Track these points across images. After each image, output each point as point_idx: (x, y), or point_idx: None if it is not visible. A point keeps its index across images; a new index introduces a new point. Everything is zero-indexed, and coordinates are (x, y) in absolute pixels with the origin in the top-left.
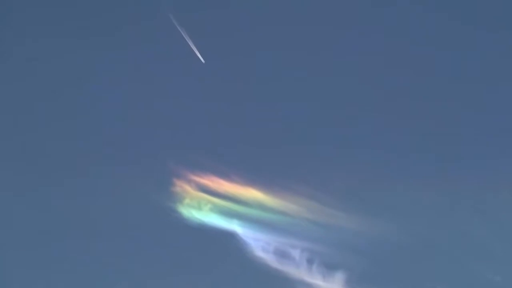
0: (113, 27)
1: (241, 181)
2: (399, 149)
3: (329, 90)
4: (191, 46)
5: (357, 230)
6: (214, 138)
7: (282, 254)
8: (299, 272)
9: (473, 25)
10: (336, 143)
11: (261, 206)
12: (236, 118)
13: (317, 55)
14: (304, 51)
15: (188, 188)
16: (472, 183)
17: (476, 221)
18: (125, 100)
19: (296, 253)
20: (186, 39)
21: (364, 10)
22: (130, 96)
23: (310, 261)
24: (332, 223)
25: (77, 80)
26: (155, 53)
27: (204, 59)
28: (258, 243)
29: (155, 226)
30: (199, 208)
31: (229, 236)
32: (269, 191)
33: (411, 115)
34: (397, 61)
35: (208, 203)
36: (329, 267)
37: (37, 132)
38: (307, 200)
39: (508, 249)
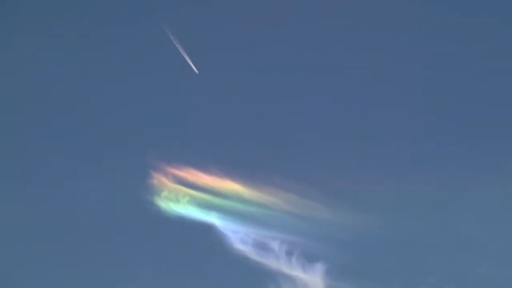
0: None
1: (219, 173)
2: (382, 141)
3: (310, 85)
4: (172, 40)
5: (337, 222)
6: (191, 130)
7: (261, 246)
8: (278, 264)
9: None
10: (316, 135)
11: (239, 199)
12: (214, 111)
13: (304, 56)
14: (290, 52)
15: (165, 180)
16: (457, 176)
17: (459, 213)
18: (103, 93)
19: (275, 245)
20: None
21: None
22: (107, 90)
23: (289, 253)
24: (312, 215)
25: (67, 79)
26: (139, 50)
27: (187, 54)
28: (237, 235)
29: (132, 218)
30: (177, 200)
31: (207, 229)
32: (248, 183)
33: (397, 107)
34: (390, 58)
35: (186, 196)
36: (309, 259)
37: (15, 124)
38: (286, 192)
39: (495, 241)
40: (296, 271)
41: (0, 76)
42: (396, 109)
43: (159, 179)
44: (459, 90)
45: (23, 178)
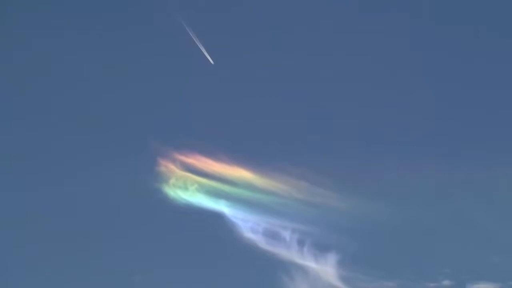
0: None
1: (228, 160)
2: (398, 126)
3: (325, 71)
4: (186, 27)
5: (350, 211)
6: (200, 116)
7: (271, 235)
8: (289, 253)
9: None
10: (329, 121)
11: (249, 186)
12: (224, 96)
13: (314, 53)
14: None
15: (173, 167)
16: (466, 164)
17: (470, 202)
18: (113, 80)
19: (286, 234)
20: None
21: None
22: (113, 77)
23: (301, 242)
24: (324, 204)
25: (78, 64)
26: (152, 37)
27: (199, 41)
28: (246, 224)
29: (139, 206)
30: (185, 188)
31: (216, 217)
32: (258, 170)
33: (406, 101)
34: (401, 46)
35: (194, 183)
36: (321, 248)
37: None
38: (298, 179)
39: (504, 229)
40: (307, 261)
41: None
42: (410, 96)
43: (167, 166)
44: (471, 76)
45: (28, 168)
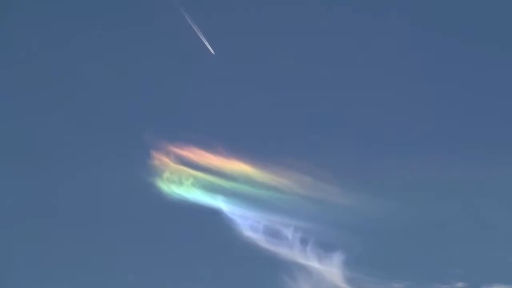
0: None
1: (227, 153)
2: (400, 122)
3: (330, 62)
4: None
5: (357, 208)
6: (196, 105)
7: (272, 234)
8: (292, 253)
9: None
10: (333, 112)
11: (249, 181)
12: (222, 84)
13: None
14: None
15: (167, 160)
16: (482, 159)
17: (485, 199)
18: (100, 71)
19: (288, 232)
20: None
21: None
22: (104, 67)
23: (304, 241)
24: (329, 200)
25: (72, 51)
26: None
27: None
28: (246, 221)
29: (130, 203)
30: (179, 182)
31: (213, 214)
32: (258, 164)
33: (411, 93)
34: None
35: (189, 178)
36: (325, 248)
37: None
38: (300, 174)
39: None
40: (311, 261)
41: None
42: (418, 89)
43: (160, 159)
44: (481, 70)
45: (12, 161)
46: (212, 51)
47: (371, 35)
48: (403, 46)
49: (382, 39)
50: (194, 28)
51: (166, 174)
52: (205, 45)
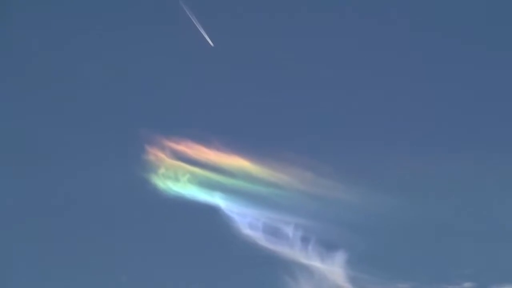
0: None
1: (224, 147)
2: (411, 114)
3: (331, 54)
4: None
5: (361, 205)
6: (193, 98)
7: (272, 232)
8: (292, 252)
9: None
10: (335, 104)
11: (247, 176)
12: (220, 76)
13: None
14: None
15: (163, 156)
16: (492, 153)
17: (494, 196)
18: (92, 62)
19: (289, 230)
20: None
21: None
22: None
23: (305, 240)
24: (332, 197)
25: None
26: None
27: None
28: (244, 219)
29: (124, 200)
30: (175, 179)
31: (211, 211)
32: (257, 159)
33: (415, 86)
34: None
35: (186, 173)
36: (327, 247)
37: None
38: (302, 169)
39: None
40: (312, 260)
41: None
42: (422, 84)
43: (156, 154)
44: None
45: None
46: (211, 44)
47: (373, 32)
48: (403, 46)
49: (384, 37)
50: (193, 20)
51: (162, 170)
52: (204, 38)
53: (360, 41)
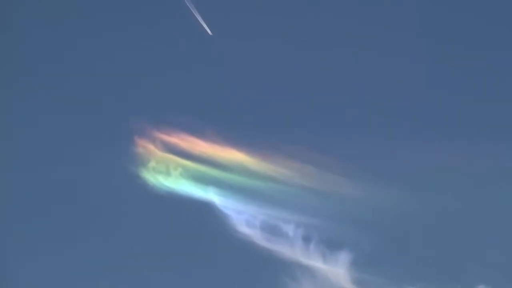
0: None
1: (219, 139)
2: (413, 104)
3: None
4: None
5: (366, 200)
6: (185, 85)
7: (271, 230)
8: (293, 252)
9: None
10: (337, 94)
11: (244, 171)
12: (215, 62)
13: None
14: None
15: (152, 148)
16: (495, 149)
17: (501, 195)
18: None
19: (289, 229)
20: None
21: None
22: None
23: (306, 239)
24: (335, 192)
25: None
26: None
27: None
28: (241, 216)
29: (111, 196)
30: (167, 173)
31: (205, 208)
32: (254, 151)
33: (421, 78)
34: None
35: (178, 167)
36: (330, 246)
37: None
38: (303, 163)
39: None
40: (314, 261)
41: None
42: (428, 75)
43: (145, 146)
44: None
45: None
46: (209, 32)
47: (375, 28)
48: (404, 47)
49: (386, 35)
50: (189, 7)
51: (152, 163)
52: (199, 26)
53: (362, 37)
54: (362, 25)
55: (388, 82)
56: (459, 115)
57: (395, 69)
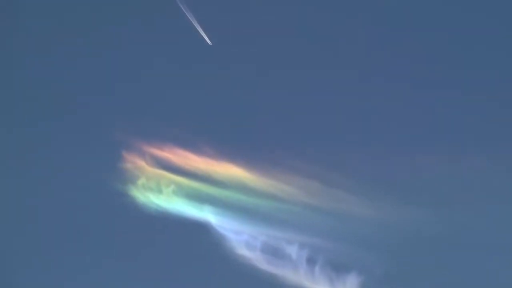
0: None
1: (215, 154)
2: (421, 118)
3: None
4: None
5: (376, 219)
6: (179, 97)
7: (273, 252)
8: (296, 275)
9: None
10: (342, 105)
11: (243, 188)
12: (212, 72)
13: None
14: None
15: (143, 163)
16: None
17: None
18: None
19: (292, 251)
20: None
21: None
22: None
23: (311, 261)
24: (342, 211)
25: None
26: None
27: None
28: (240, 237)
29: (98, 215)
30: (158, 190)
31: (200, 228)
32: (254, 167)
33: (428, 92)
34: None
35: (170, 184)
36: (337, 269)
37: None
38: (307, 179)
39: None
40: (320, 285)
41: None
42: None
43: (135, 162)
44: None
45: None
46: (209, 42)
47: (378, 34)
48: (404, 49)
49: (386, 40)
50: (188, 16)
51: (142, 180)
52: (196, 35)
53: (365, 44)
54: (367, 41)
55: (399, 94)
56: (480, 132)
57: (399, 83)
